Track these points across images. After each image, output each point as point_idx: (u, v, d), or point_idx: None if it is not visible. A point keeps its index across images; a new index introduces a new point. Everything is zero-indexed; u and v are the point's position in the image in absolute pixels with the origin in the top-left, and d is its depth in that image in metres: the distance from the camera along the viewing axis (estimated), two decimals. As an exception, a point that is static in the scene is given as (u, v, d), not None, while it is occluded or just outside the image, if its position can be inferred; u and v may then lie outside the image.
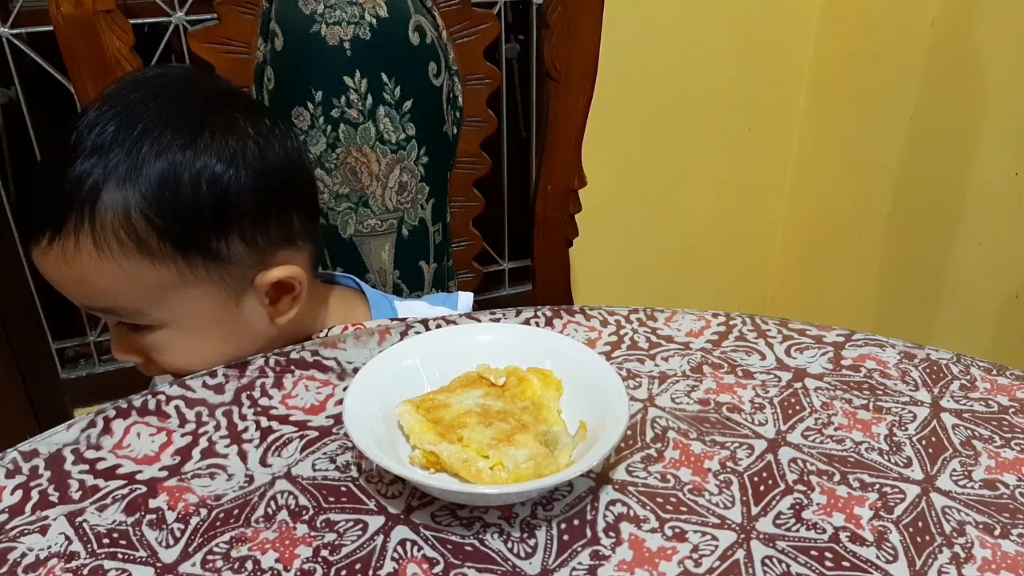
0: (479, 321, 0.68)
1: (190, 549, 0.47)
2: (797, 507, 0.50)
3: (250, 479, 0.52)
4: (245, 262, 0.63)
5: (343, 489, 0.51)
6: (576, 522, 0.49)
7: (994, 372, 0.62)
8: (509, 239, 1.41)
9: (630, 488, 0.52)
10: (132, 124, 0.59)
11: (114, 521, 0.49)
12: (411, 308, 0.77)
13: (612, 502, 0.50)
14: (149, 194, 0.58)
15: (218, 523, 0.49)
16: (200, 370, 0.63)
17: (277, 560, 0.46)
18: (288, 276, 0.65)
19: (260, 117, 0.65)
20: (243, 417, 0.58)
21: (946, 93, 1.28)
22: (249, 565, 0.46)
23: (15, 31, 1.09)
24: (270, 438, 0.56)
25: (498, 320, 0.68)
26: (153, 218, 0.59)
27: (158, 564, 0.46)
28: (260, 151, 0.62)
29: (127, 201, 0.58)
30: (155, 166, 0.58)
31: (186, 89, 0.65)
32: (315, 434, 0.56)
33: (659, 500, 0.51)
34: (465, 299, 0.82)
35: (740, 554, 0.47)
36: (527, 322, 0.68)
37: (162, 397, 0.59)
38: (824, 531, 0.49)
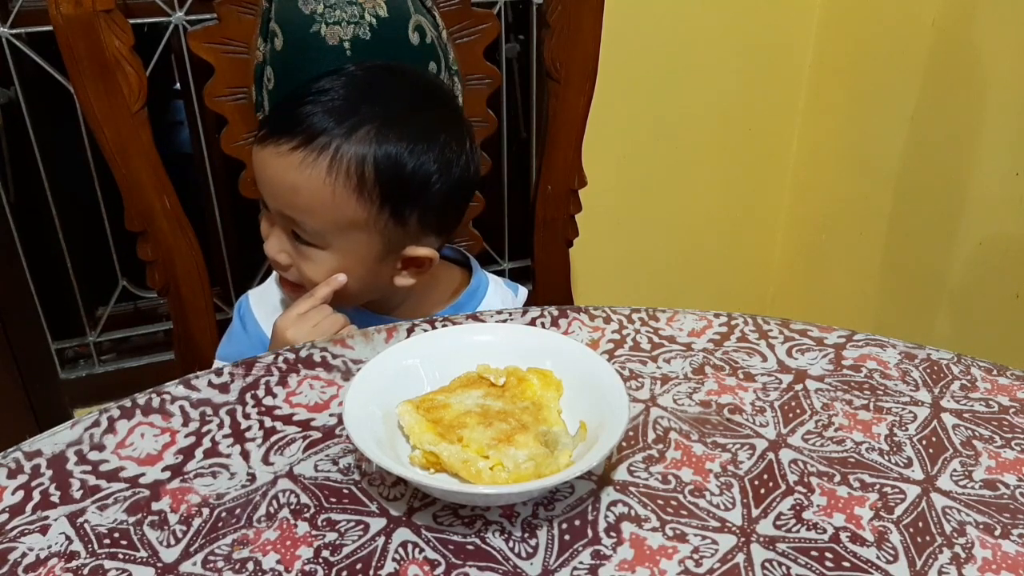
0: (484, 321, 0.68)
1: (191, 549, 0.47)
2: (797, 508, 0.50)
3: (252, 478, 0.52)
4: (410, 233, 0.78)
5: (345, 491, 0.51)
6: (577, 522, 0.49)
7: (994, 372, 0.62)
8: (509, 239, 1.41)
9: (631, 488, 0.52)
10: (400, 102, 0.76)
11: (115, 521, 0.49)
12: (497, 282, 0.91)
13: (613, 502, 0.50)
14: (386, 156, 0.73)
15: (220, 523, 0.49)
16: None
17: (278, 561, 0.47)
18: (426, 256, 0.79)
19: (472, 140, 0.81)
20: (246, 416, 0.58)
21: (946, 93, 1.28)
22: (250, 566, 0.46)
23: (15, 31, 1.09)
24: (273, 437, 0.56)
25: (505, 320, 0.68)
26: (380, 171, 0.73)
27: (159, 564, 0.46)
28: (463, 167, 0.78)
29: (369, 151, 0.73)
30: (399, 142, 0.74)
31: (441, 94, 0.84)
32: (318, 435, 0.56)
33: (660, 502, 0.51)
34: (523, 293, 0.94)
35: (740, 558, 0.47)
36: (533, 322, 0.68)
37: (167, 396, 0.59)
38: (824, 531, 0.49)
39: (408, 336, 0.65)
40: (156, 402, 0.59)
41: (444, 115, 0.79)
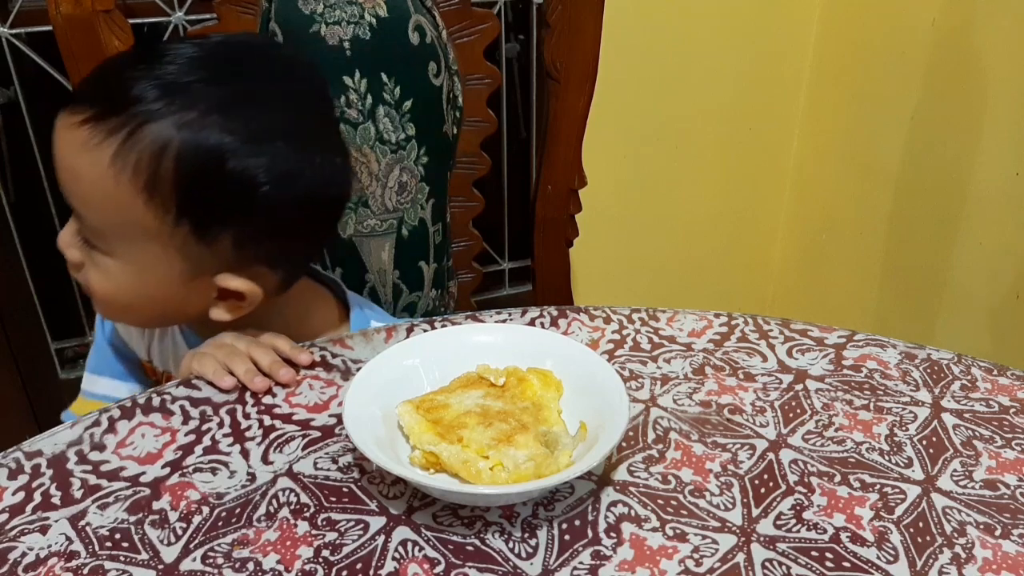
0: (483, 321, 0.68)
1: (191, 546, 0.47)
2: (798, 508, 0.50)
3: (252, 477, 0.52)
4: (221, 257, 0.60)
5: (345, 490, 0.51)
6: (577, 522, 0.49)
7: (995, 372, 0.62)
8: (509, 239, 1.41)
9: (631, 489, 0.52)
10: (224, 83, 0.58)
11: (115, 520, 0.49)
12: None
13: (613, 503, 0.50)
14: (194, 148, 0.56)
15: (220, 522, 0.49)
16: (115, 308, 0.63)
17: (278, 562, 0.46)
18: (244, 291, 0.62)
19: (340, 158, 0.63)
20: (246, 415, 0.58)
21: (946, 93, 1.28)
22: (250, 566, 0.46)
23: (14, 31, 1.09)
24: (272, 436, 0.56)
25: (504, 320, 0.68)
26: (181, 169, 0.56)
27: (159, 565, 0.46)
28: (310, 184, 0.61)
29: (172, 140, 0.56)
30: (224, 134, 0.56)
31: (316, 97, 0.64)
32: (318, 434, 0.56)
33: (660, 502, 0.51)
34: None
35: (740, 557, 0.47)
36: (532, 322, 0.68)
37: (167, 396, 0.59)
38: (825, 531, 0.49)
39: (408, 336, 0.65)
40: (156, 402, 0.59)
41: (305, 120, 0.62)
